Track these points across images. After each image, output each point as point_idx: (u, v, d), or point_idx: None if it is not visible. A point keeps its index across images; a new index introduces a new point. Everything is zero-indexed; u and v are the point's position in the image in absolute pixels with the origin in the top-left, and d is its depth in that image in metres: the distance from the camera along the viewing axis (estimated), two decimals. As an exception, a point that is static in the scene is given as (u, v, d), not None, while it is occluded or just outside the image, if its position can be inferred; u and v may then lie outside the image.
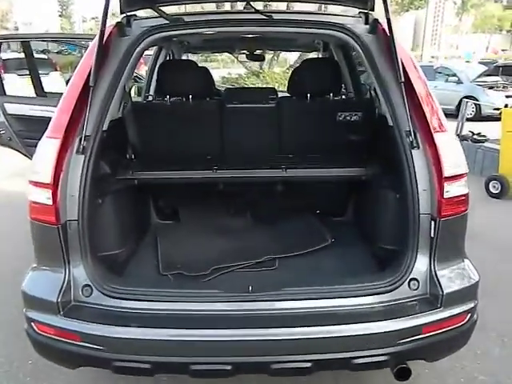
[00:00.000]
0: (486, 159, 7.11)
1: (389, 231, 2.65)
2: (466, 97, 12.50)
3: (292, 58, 16.17)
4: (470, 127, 7.92)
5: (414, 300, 2.19)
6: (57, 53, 17.78)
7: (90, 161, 2.21)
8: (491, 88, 14.30)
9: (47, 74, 11.70)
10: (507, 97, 12.51)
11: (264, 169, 2.82)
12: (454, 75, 15.03)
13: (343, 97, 3.86)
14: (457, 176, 2.16)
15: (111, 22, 2.48)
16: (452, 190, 2.15)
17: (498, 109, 11.77)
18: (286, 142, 3.19)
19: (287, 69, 16.40)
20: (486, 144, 7.39)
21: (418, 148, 2.21)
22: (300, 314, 2.11)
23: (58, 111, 2.23)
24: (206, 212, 3.31)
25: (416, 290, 2.20)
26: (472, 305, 2.21)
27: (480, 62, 16.43)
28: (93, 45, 2.36)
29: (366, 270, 2.51)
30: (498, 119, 6.51)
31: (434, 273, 2.19)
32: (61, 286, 2.14)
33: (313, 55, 5.71)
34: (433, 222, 2.18)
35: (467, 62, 21.62)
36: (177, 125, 3.12)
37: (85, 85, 2.25)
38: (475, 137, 7.56)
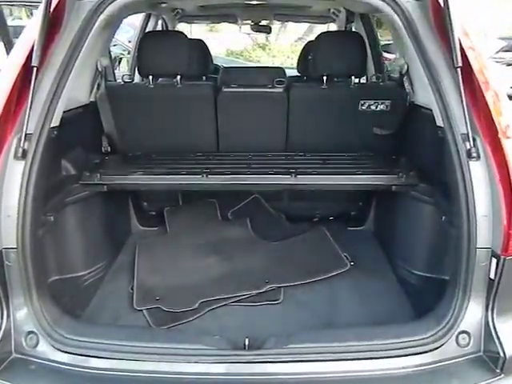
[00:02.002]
0: None
1: (428, 260, 2.09)
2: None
3: (300, 29, 15.23)
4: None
5: (464, 361, 1.64)
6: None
7: (32, 167, 1.63)
8: (510, 65, 13.52)
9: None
10: None
11: (267, 174, 2.23)
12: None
13: (363, 80, 3.21)
14: (532, 200, 1.57)
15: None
16: (525, 218, 1.57)
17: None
18: (296, 136, 2.59)
19: (296, 41, 15.54)
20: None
21: (479, 158, 1.62)
22: (311, 381, 1.57)
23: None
24: (196, 219, 2.75)
25: (466, 346, 1.65)
26: None
27: (501, 38, 15.51)
28: (39, 10, 1.75)
29: (398, 313, 1.96)
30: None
31: (492, 325, 1.64)
32: None
33: (323, 28, 5.01)
34: (494, 260, 1.61)
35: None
36: (160, 112, 2.53)
37: (27, 65, 1.66)
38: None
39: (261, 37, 15.29)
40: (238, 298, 2.08)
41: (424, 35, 1.77)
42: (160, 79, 2.75)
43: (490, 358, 1.62)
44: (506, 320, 1.65)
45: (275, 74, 2.56)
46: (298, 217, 2.87)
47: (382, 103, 2.52)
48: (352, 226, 2.83)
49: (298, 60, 3.50)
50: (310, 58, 2.60)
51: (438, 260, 2.01)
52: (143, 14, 3.69)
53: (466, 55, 1.65)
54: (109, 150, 2.59)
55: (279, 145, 2.62)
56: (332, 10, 3.76)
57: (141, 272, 2.28)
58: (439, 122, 1.73)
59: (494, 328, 1.63)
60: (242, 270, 2.27)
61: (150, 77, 2.49)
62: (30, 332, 1.64)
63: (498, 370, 1.59)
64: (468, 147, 1.63)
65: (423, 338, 1.63)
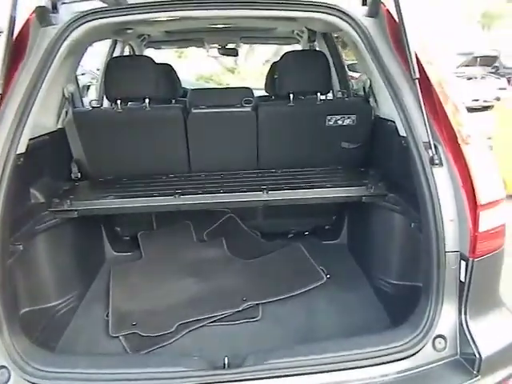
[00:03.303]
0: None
1: (401, 268, 2.13)
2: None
3: (267, 51, 15.51)
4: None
5: (441, 365, 1.66)
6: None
7: None
8: (470, 79, 14.10)
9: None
10: (500, 89, 12.41)
11: (240, 192, 2.25)
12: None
13: (330, 97, 3.30)
14: (494, 202, 1.63)
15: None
16: (489, 220, 1.63)
17: (476, 100, 11.81)
18: (266, 154, 2.62)
19: (264, 64, 15.81)
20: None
21: (442, 165, 1.68)
22: None
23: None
24: (171, 242, 2.73)
25: (443, 350, 1.67)
26: None
27: (460, 54, 16.23)
28: (1, 37, 1.75)
29: (376, 323, 1.98)
30: (475, 110, 6.08)
31: (465, 327, 1.67)
32: None
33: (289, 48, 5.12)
34: (463, 263, 1.65)
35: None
36: (130, 136, 2.52)
37: (-10, 92, 1.64)
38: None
39: (229, 61, 15.53)
40: (215, 318, 2.06)
41: (382, 50, 1.84)
42: (129, 103, 2.75)
43: (466, 360, 1.65)
44: (479, 321, 1.69)
45: (243, 93, 2.60)
46: (273, 234, 2.89)
47: (348, 118, 2.59)
48: (326, 240, 2.86)
49: (266, 80, 3.58)
50: (275, 77, 2.66)
51: (411, 267, 2.05)
52: (110, 40, 3.71)
53: (423, 69, 1.73)
54: (79, 176, 2.55)
55: (250, 163, 2.65)
56: (296, 32, 3.86)
57: (116, 298, 2.23)
58: (402, 131, 1.78)
59: (468, 330, 1.66)
60: (218, 289, 2.26)
61: (118, 101, 2.50)
62: (1, 367, 1.58)
63: (475, 372, 1.61)
64: (431, 154, 1.68)
65: (401, 345, 1.64)
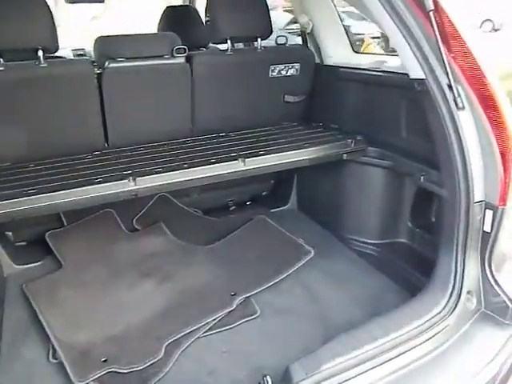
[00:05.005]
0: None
1: (390, 226, 1.99)
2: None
3: (94, 8, 13.84)
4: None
5: (474, 321, 1.57)
6: None
7: None
8: (300, 35, 14.75)
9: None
10: None
11: (210, 164, 1.77)
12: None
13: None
14: (516, 146, 1.54)
15: None
16: (514, 165, 1.53)
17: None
18: (204, 115, 2.17)
19: (91, 21, 14.13)
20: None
21: (463, 108, 1.51)
22: None
23: None
24: (95, 237, 2.10)
25: (472, 306, 1.58)
26: None
27: (285, 10, 16.77)
28: None
29: (385, 290, 1.80)
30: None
31: (491, 279, 1.59)
32: None
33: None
34: (490, 212, 1.54)
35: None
36: (21, 104, 1.81)
37: None
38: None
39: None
40: (208, 326, 1.63)
41: None
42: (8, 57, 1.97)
43: (495, 312, 1.58)
44: (501, 271, 1.63)
45: (172, 41, 2.06)
46: (212, 209, 2.48)
47: (291, 67, 2.28)
48: (274, 208, 2.55)
49: (161, 29, 3.01)
50: (207, 20, 2.17)
51: (403, 224, 1.91)
52: None
53: (440, 8, 1.50)
54: None
55: (186, 127, 2.16)
56: None
57: (57, 329, 1.59)
58: (416, 73, 1.55)
59: (495, 281, 1.59)
60: (194, 287, 1.80)
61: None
62: None
63: (507, 322, 1.56)
64: (453, 97, 1.50)
65: (440, 311, 1.50)
